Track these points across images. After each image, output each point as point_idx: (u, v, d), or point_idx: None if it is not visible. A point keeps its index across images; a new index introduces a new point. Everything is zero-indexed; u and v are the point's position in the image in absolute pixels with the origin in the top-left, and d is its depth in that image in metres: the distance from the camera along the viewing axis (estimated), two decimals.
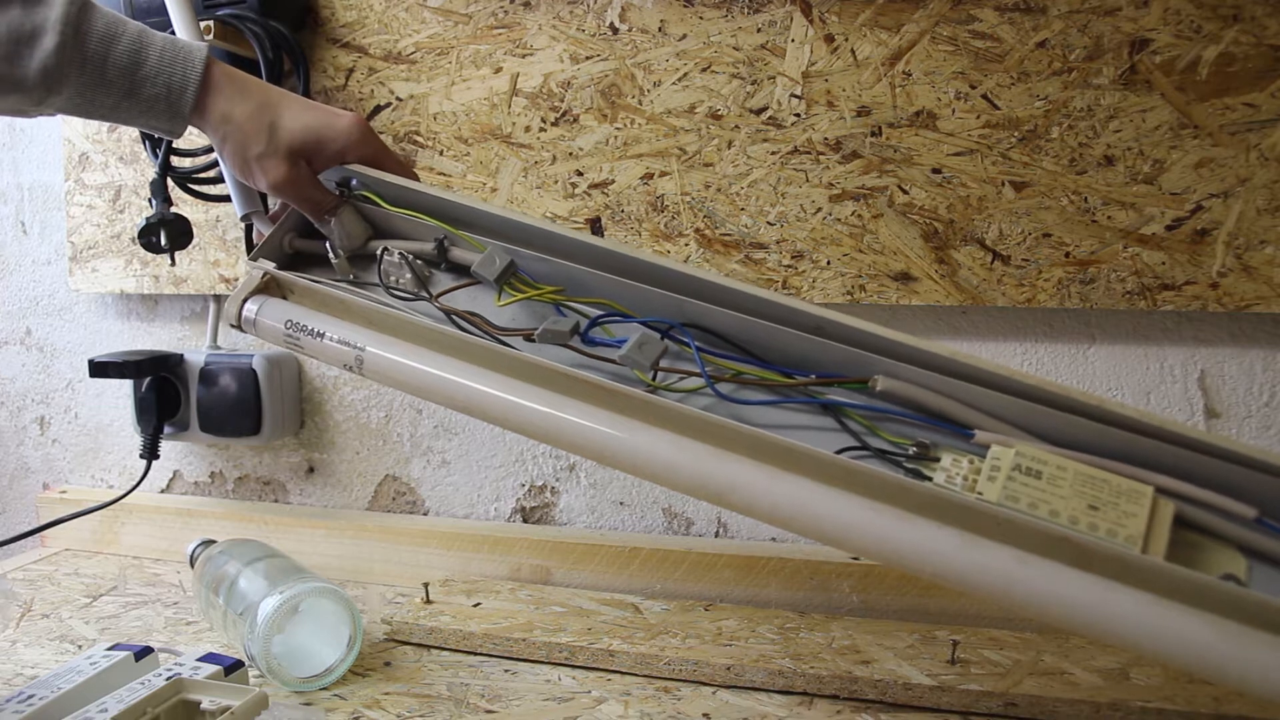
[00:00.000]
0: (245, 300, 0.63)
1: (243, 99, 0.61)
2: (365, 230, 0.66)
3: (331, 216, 0.65)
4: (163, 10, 0.84)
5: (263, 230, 0.68)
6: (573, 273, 0.59)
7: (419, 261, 0.63)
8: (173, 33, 0.81)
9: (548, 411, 0.52)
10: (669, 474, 0.49)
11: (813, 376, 0.54)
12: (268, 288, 0.64)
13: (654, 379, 0.55)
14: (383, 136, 0.90)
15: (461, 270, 0.63)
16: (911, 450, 0.50)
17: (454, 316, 0.60)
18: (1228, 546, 0.45)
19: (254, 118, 0.61)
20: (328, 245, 0.66)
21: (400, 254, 0.63)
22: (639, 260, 0.58)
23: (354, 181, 0.67)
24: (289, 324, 0.61)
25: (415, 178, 0.67)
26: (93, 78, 0.58)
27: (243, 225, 0.74)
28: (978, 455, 0.49)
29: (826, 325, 0.53)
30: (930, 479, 0.48)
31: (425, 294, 0.62)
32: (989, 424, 0.50)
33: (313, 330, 0.60)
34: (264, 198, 0.73)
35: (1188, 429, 0.46)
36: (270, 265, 0.64)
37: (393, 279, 0.63)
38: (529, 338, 0.57)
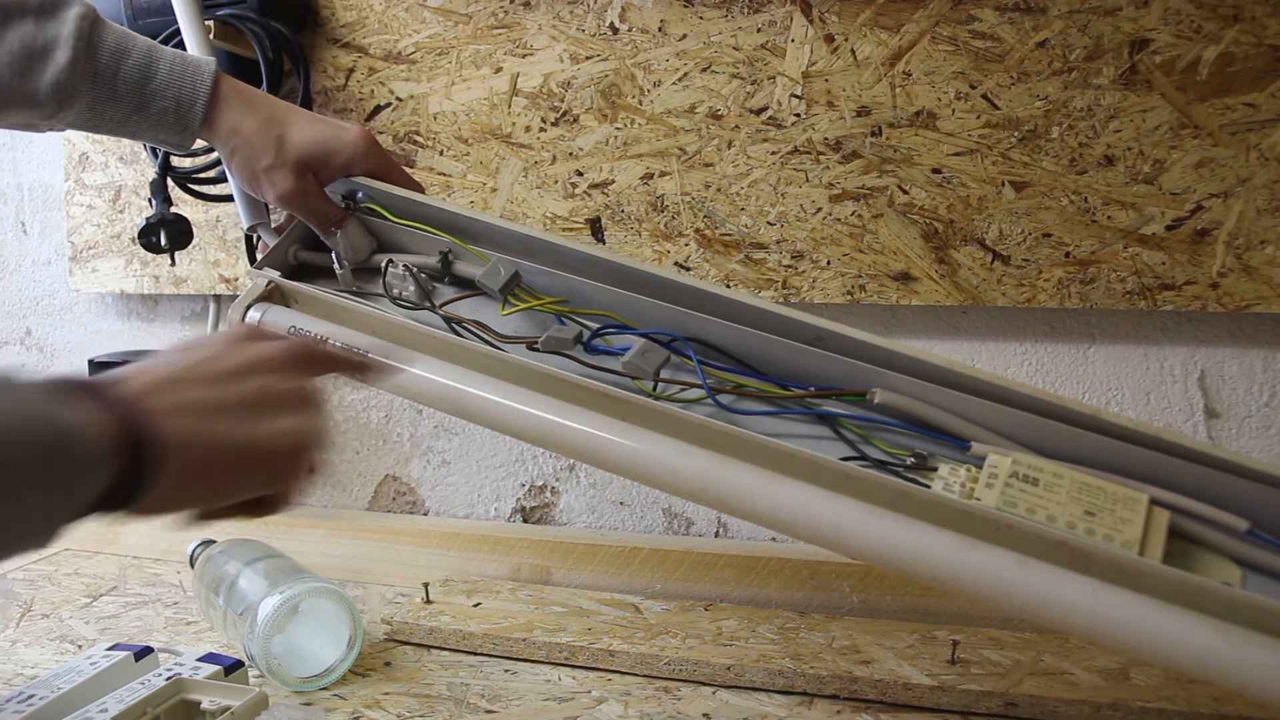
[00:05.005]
0: (249, 307, 0.63)
1: (251, 112, 0.62)
2: (370, 243, 0.67)
3: (337, 229, 0.65)
4: (161, 10, 0.84)
5: (269, 242, 0.68)
6: (576, 285, 0.60)
7: (423, 274, 0.63)
8: (177, 32, 0.81)
9: (550, 418, 0.52)
10: (671, 479, 0.49)
11: (812, 389, 0.54)
12: (271, 296, 0.64)
13: (656, 388, 0.55)
14: (382, 137, 0.91)
15: (465, 283, 0.64)
16: (909, 461, 0.50)
17: (457, 325, 0.61)
18: (1221, 557, 0.46)
19: (262, 131, 0.62)
20: (333, 257, 0.66)
21: (405, 266, 0.63)
22: (642, 273, 0.58)
23: (359, 194, 0.67)
24: (292, 330, 0.61)
25: (421, 190, 0.67)
26: (104, 92, 0.59)
27: (242, 225, 0.74)
28: (975, 465, 0.49)
29: (826, 336, 0.53)
30: (928, 487, 0.48)
31: (429, 304, 0.62)
32: (986, 436, 0.50)
33: (316, 336, 0.60)
34: (270, 209, 0.73)
35: (1181, 438, 0.47)
36: (275, 273, 0.64)
37: (396, 291, 0.63)
38: (532, 346, 0.57)
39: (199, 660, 0.64)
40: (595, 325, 0.58)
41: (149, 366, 0.41)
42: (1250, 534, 0.45)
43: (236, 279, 0.97)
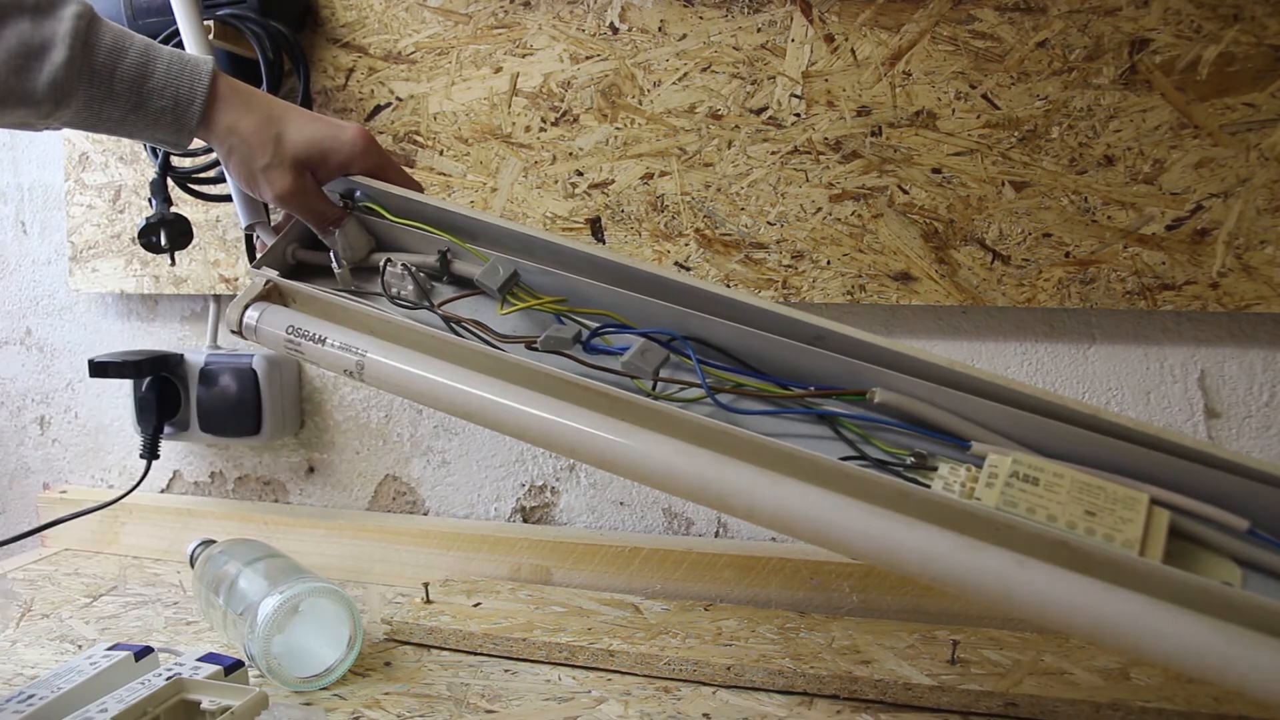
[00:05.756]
0: (247, 307, 0.63)
1: (248, 111, 0.62)
2: (368, 242, 0.67)
3: (335, 228, 0.65)
4: (162, 10, 0.84)
5: (267, 241, 0.68)
6: (575, 284, 0.60)
7: (421, 273, 0.63)
8: (177, 32, 0.81)
9: (549, 418, 0.52)
10: (670, 480, 0.49)
11: (812, 389, 0.54)
12: (269, 295, 0.64)
13: (655, 388, 0.55)
14: (382, 137, 0.91)
15: (464, 282, 0.64)
16: (909, 460, 0.50)
17: (455, 324, 0.60)
18: (1222, 557, 0.46)
19: (260, 130, 0.62)
20: (331, 256, 0.66)
21: (403, 265, 0.63)
22: (642, 272, 0.58)
23: (358, 193, 0.67)
24: (290, 329, 0.61)
25: (419, 189, 0.67)
26: (101, 91, 0.59)
27: (243, 227, 0.74)
28: (975, 465, 0.49)
29: (826, 335, 0.53)
30: (928, 487, 0.48)
31: (427, 304, 0.62)
32: (986, 436, 0.50)
33: (314, 336, 0.60)
34: (268, 208, 0.73)
35: (1181, 438, 0.47)
36: (273, 273, 0.64)
37: (395, 290, 0.63)
38: (531, 345, 0.57)
39: (199, 660, 0.64)
40: (594, 325, 0.58)
41: None
42: (1250, 534, 0.45)
43: (236, 279, 0.97)
